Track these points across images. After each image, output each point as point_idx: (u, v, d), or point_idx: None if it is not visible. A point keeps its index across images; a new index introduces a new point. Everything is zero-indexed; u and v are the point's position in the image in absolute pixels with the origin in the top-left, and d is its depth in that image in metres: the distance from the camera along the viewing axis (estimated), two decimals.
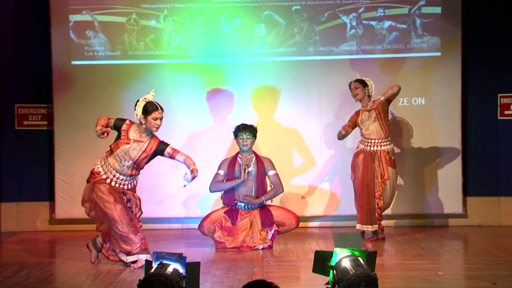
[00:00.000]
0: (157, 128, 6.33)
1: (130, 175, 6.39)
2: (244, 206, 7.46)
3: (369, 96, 7.75)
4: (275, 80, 8.76)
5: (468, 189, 8.78)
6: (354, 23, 8.71)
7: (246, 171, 7.45)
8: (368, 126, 7.67)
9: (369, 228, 7.64)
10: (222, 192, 7.56)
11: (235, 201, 7.47)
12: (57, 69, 8.66)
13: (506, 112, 8.78)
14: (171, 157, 6.45)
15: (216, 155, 8.31)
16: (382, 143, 7.67)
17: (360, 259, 4.20)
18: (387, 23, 8.71)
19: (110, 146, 6.41)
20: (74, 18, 8.71)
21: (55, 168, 8.65)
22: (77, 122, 8.59)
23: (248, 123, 7.65)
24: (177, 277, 4.20)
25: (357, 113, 7.83)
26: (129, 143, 6.28)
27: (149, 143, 6.34)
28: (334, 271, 4.20)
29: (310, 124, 8.74)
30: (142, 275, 4.26)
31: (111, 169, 6.32)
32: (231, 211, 7.46)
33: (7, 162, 8.78)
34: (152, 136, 6.40)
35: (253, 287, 3.43)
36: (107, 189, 6.28)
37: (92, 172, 6.40)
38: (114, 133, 6.49)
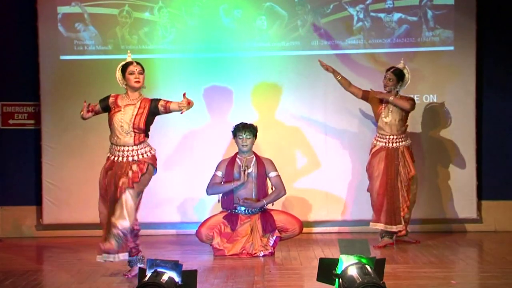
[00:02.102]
0: (137, 82, 6.28)
1: (137, 143, 6.25)
2: (244, 210, 7.47)
3: (398, 92, 7.80)
4: (277, 76, 8.77)
5: (483, 192, 8.79)
6: (361, 15, 8.73)
7: (246, 172, 7.46)
8: (388, 114, 7.74)
9: (393, 229, 7.70)
10: (221, 195, 7.57)
11: (235, 205, 7.48)
12: (45, 65, 8.67)
13: None
14: (166, 109, 6.31)
15: (214, 156, 8.33)
16: (402, 139, 7.77)
17: (368, 267, 4.21)
18: (396, 15, 8.71)
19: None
20: (62, 10, 8.72)
21: (43, 170, 8.66)
22: (66, 121, 8.60)
23: (248, 121, 7.66)
24: (173, 285, 4.21)
25: (374, 93, 7.85)
26: (121, 110, 6.25)
27: (141, 102, 6.30)
28: (340, 280, 4.21)
29: (314, 123, 8.75)
30: (135, 284, 4.27)
31: (116, 147, 6.24)
32: (231, 216, 7.47)
33: None
34: (140, 94, 6.37)
35: None
36: (102, 177, 6.24)
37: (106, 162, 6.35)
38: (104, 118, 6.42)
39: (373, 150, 7.85)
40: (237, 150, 7.64)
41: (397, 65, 7.83)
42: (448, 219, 8.72)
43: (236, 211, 7.49)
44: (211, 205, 8.42)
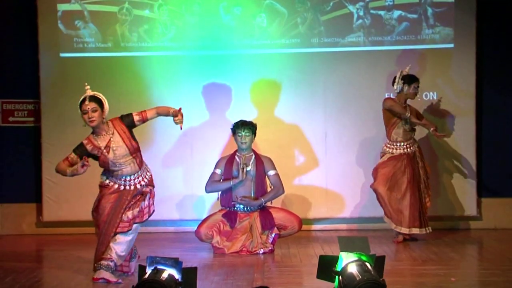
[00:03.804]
0: (92, 121, 5.97)
1: (139, 168, 6.17)
2: (243, 208, 7.47)
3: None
4: (277, 73, 8.76)
5: (483, 190, 8.78)
6: (361, 13, 8.72)
7: (245, 170, 7.45)
8: (406, 122, 7.83)
9: (423, 231, 7.75)
10: (220, 193, 7.56)
11: (233, 203, 7.47)
12: (45, 62, 8.66)
13: None
14: (143, 120, 6.18)
15: (213, 153, 8.34)
16: (415, 142, 7.94)
17: (368, 264, 4.21)
18: (396, 13, 8.71)
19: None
20: (62, 7, 8.71)
21: (42, 168, 8.66)
22: (65, 119, 8.58)
23: (247, 119, 7.66)
24: (173, 283, 4.20)
25: (398, 103, 7.86)
26: (106, 153, 6.03)
27: (115, 129, 6.08)
28: (340, 277, 4.21)
29: (314, 120, 8.74)
30: (135, 281, 4.26)
31: (120, 177, 6.12)
32: (230, 214, 7.47)
33: None
34: (108, 124, 6.11)
35: None
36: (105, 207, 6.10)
37: (101, 186, 6.21)
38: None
39: (394, 155, 7.84)
40: (236, 148, 7.64)
41: (407, 71, 7.88)
42: (447, 216, 8.72)
43: (235, 208, 7.49)
44: (210, 202, 8.42)
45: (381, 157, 7.97)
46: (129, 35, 8.74)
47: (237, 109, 8.61)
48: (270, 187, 7.58)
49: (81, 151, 6.05)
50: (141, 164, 6.19)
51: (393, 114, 7.82)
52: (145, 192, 6.20)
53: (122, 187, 6.12)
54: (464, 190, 8.66)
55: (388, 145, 7.91)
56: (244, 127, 7.51)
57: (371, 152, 8.63)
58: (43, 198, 8.69)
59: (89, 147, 6.05)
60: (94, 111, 6.00)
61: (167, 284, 4.13)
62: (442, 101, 8.64)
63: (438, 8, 8.68)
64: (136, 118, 6.15)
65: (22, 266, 6.76)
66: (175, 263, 4.31)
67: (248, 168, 7.49)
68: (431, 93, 8.67)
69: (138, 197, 6.16)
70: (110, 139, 6.06)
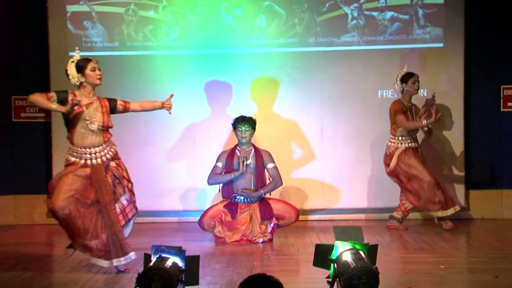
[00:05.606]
0: (99, 79, 5.94)
1: (105, 141, 5.97)
2: (244, 199, 7.47)
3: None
4: (275, 71, 8.76)
5: (471, 182, 8.78)
6: (355, 14, 8.71)
7: (245, 163, 7.45)
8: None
9: (452, 211, 7.82)
10: (221, 185, 7.57)
11: (234, 194, 7.48)
12: (55, 61, 8.62)
13: (509, 104, 8.79)
14: (125, 109, 6.13)
15: (215, 147, 8.33)
16: (416, 138, 8.04)
17: (361, 252, 4.21)
18: (388, 14, 8.70)
19: (67, 126, 5.99)
20: (71, 8, 8.69)
21: (53, 160, 8.64)
22: None
23: (247, 115, 7.65)
24: (177, 270, 4.20)
25: (403, 104, 7.90)
26: (85, 110, 5.86)
27: (100, 102, 5.98)
28: (335, 265, 4.20)
29: (310, 116, 8.74)
30: (141, 269, 4.26)
31: (83, 150, 5.90)
32: (231, 205, 7.47)
33: (4, 154, 8.79)
34: (94, 93, 6.00)
35: (253, 280, 3.43)
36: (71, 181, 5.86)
37: (67, 166, 5.98)
38: None
39: (400, 151, 7.85)
40: (236, 142, 7.64)
41: (405, 70, 7.93)
42: None
43: (236, 200, 7.50)
44: (212, 194, 8.42)
45: (387, 154, 7.95)
46: (135, 35, 8.73)
47: (237, 105, 8.60)
48: (269, 179, 7.58)
49: (63, 96, 5.85)
50: (106, 139, 5.99)
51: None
52: (112, 168, 5.97)
53: (88, 161, 5.89)
54: (453, 183, 8.66)
55: (392, 140, 7.91)
56: (244, 122, 7.51)
57: (365, 146, 8.65)
58: None
59: (71, 96, 5.83)
60: (99, 69, 6.02)
61: (171, 271, 4.13)
62: (432, 97, 8.63)
63: (428, 9, 8.67)
64: (119, 103, 6.10)
65: (34, 254, 6.77)
66: (179, 251, 4.31)
67: (248, 162, 7.49)
68: (421, 90, 8.59)
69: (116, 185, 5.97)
70: (91, 103, 5.94)
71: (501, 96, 8.78)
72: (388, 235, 7.65)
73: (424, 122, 7.70)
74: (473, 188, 8.79)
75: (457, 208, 7.86)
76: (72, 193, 5.82)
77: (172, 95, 6.25)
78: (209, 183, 7.64)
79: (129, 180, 6.12)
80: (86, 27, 8.72)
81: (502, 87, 8.78)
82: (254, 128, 7.56)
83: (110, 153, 6.01)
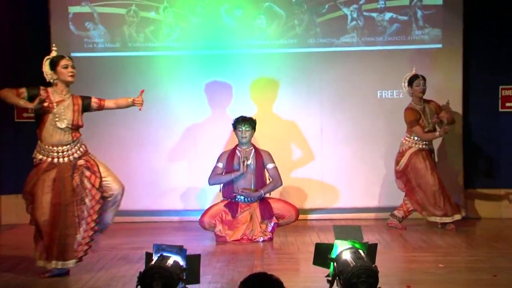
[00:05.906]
0: (72, 76, 5.89)
1: (73, 140, 5.89)
2: (244, 199, 7.48)
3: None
4: (275, 72, 8.76)
5: (469, 181, 8.78)
6: (354, 15, 8.71)
7: (245, 163, 7.46)
8: (428, 124, 7.94)
9: (457, 217, 7.83)
10: (222, 185, 7.57)
11: (234, 194, 7.48)
12: None
13: (507, 104, 8.78)
14: (99, 107, 6.04)
15: (215, 148, 8.33)
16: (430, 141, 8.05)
17: (361, 251, 4.21)
18: (388, 15, 8.70)
19: (37, 123, 5.91)
20: (73, 10, 8.70)
21: None
22: None
23: (247, 115, 7.65)
24: (178, 269, 4.20)
25: (415, 110, 7.92)
26: (55, 107, 5.81)
27: (73, 100, 5.90)
28: (335, 264, 4.21)
29: (310, 116, 8.74)
30: (142, 268, 4.26)
31: (50, 148, 5.84)
32: (231, 204, 7.47)
33: (6, 154, 8.78)
34: (68, 91, 5.94)
35: (254, 279, 3.43)
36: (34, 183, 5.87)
37: (35, 166, 5.93)
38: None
39: (412, 151, 7.88)
40: (237, 142, 7.64)
41: (413, 73, 7.97)
42: None
43: (236, 199, 7.50)
44: (213, 194, 8.42)
45: (399, 151, 7.96)
46: (136, 36, 8.73)
47: (237, 105, 8.60)
48: (269, 179, 7.58)
49: (33, 92, 5.82)
50: (75, 138, 5.90)
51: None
52: (79, 166, 5.87)
53: (55, 160, 5.83)
54: (451, 182, 8.64)
55: (408, 139, 7.94)
56: (244, 122, 7.51)
57: (364, 146, 8.65)
58: None
59: (42, 92, 5.82)
60: (73, 67, 5.96)
61: (172, 270, 4.13)
62: (430, 97, 8.59)
63: (427, 11, 8.67)
64: (93, 101, 6.03)
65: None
66: (180, 250, 4.31)
67: (248, 162, 7.50)
68: None
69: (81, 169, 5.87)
70: (63, 101, 5.89)
71: (499, 96, 8.78)
72: (388, 234, 7.65)
73: (437, 134, 7.84)
74: (472, 187, 8.80)
75: (458, 217, 7.84)
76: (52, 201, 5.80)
77: (142, 91, 6.15)
78: (210, 184, 7.64)
79: (100, 177, 5.93)
80: (88, 28, 8.72)
81: (500, 87, 8.78)
82: (254, 128, 7.57)
83: (79, 152, 5.93)
